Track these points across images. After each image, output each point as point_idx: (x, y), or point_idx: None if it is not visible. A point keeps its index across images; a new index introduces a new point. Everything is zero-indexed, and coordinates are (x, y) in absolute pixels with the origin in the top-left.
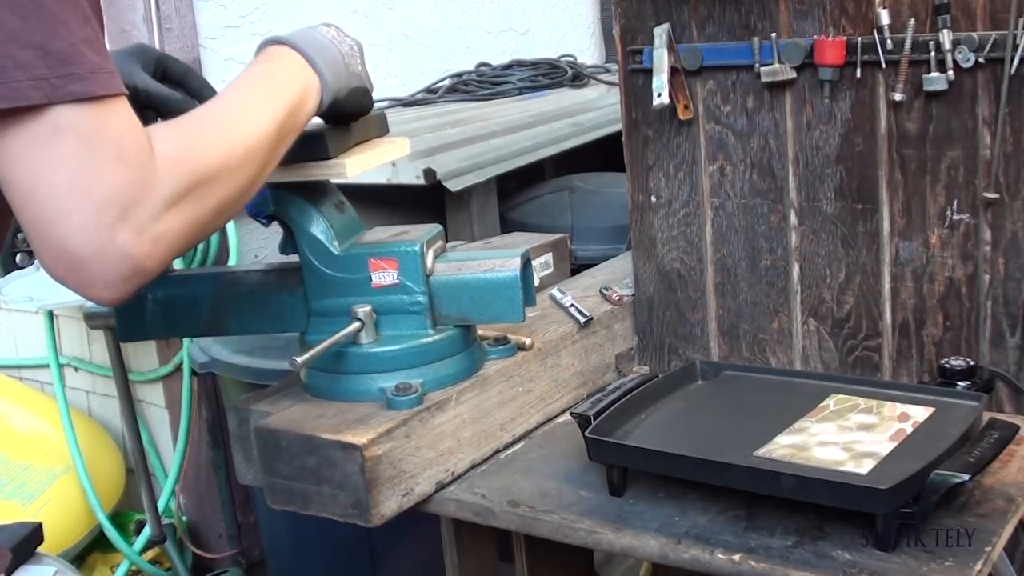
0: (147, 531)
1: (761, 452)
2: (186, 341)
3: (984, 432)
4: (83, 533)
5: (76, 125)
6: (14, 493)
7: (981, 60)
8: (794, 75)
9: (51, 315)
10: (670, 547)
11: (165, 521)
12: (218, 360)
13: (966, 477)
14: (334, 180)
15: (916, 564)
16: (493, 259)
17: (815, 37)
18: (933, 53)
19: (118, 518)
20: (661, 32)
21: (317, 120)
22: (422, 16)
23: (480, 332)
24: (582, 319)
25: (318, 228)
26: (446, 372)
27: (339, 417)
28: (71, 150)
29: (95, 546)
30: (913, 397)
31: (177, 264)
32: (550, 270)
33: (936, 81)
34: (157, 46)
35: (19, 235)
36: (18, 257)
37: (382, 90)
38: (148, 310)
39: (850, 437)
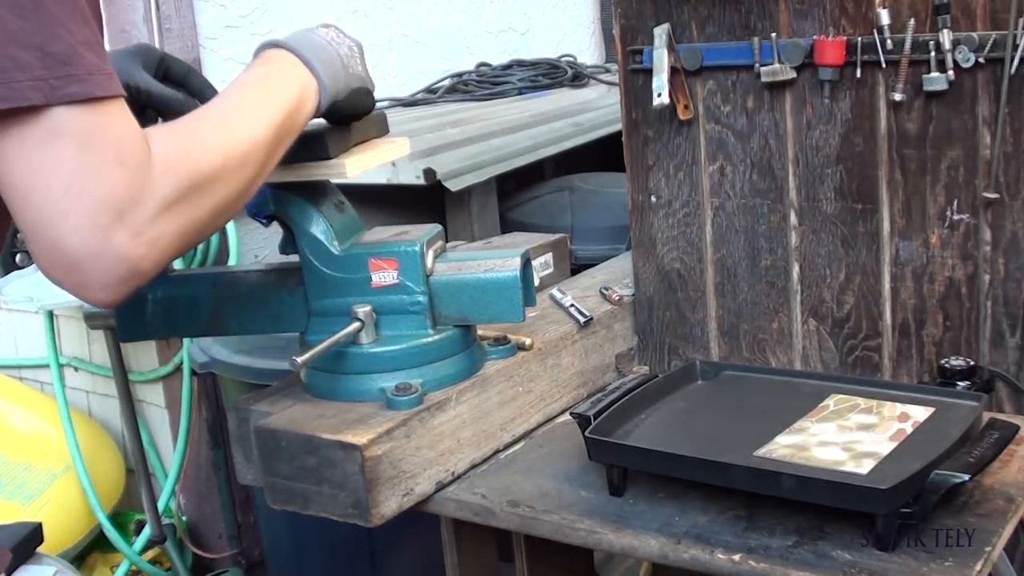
0: (147, 531)
1: (761, 452)
2: (186, 341)
3: (984, 432)
4: (83, 533)
5: (74, 127)
6: (14, 493)
7: (981, 60)
8: (794, 75)
9: (51, 315)
10: (670, 547)
11: (165, 521)
12: (218, 360)
13: (966, 477)
14: (334, 180)
15: (916, 564)
16: (493, 259)
17: (815, 37)
18: (933, 53)
19: (118, 518)
20: (661, 32)
21: (319, 120)
22: (422, 16)
23: (480, 332)
24: (582, 319)
25: (318, 228)
26: (446, 372)
27: (339, 417)
28: (69, 152)
29: (95, 546)
30: (913, 397)
31: (177, 264)
32: (550, 270)
33: (936, 81)
34: (157, 46)
35: (19, 235)
36: (18, 257)
37: (382, 90)
38: (148, 310)
39: (850, 437)
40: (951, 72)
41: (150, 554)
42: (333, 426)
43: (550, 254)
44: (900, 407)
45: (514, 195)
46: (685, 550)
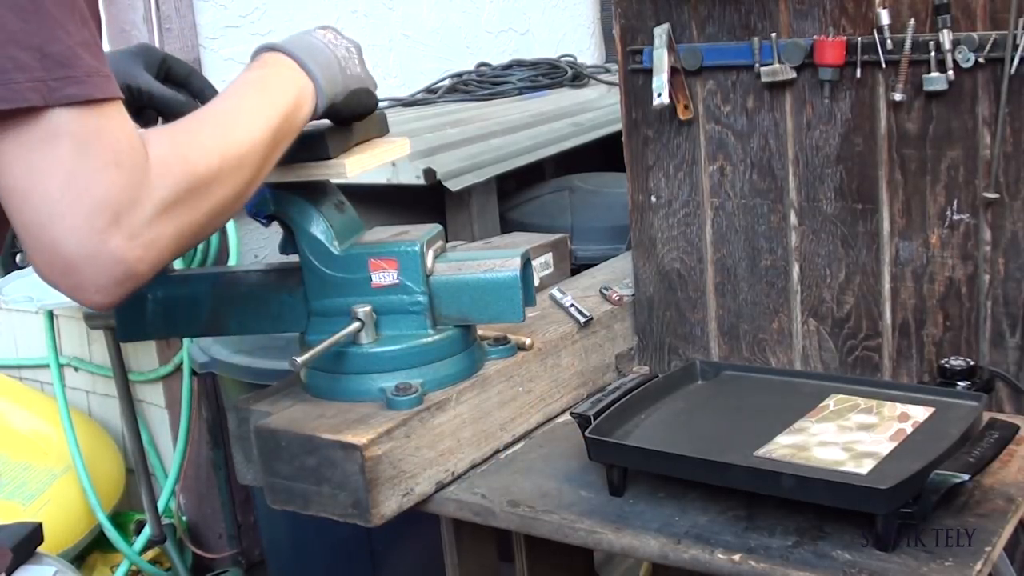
0: (147, 531)
1: (761, 452)
2: (186, 341)
3: (984, 432)
4: (83, 533)
5: (72, 128)
6: (14, 493)
7: (981, 60)
8: (794, 75)
9: (51, 315)
10: (670, 547)
11: (165, 521)
12: (218, 360)
13: (966, 477)
14: (334, 180)
15: (916, 564)
16: (493, 259)
17: (815, 37)
18: (933, 53)
19: (118, 518)
20: (661, 32)
21: (324, 120)
22: (422, 16)
23: (480, 332)
24: (582, 319)
25: (318, 228)
26: (446, 372)
27: (339, 417)
28: (66, 153)
29: (95, 546)
30: (913, 397)
31: (177, 264)
32: (550, 270)
33: (936, 81)
34: (157, 46)
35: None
36: (18, 257)
37: (382, 90)
38: (148, 310)
39: (850, 437)
40: (951, 72)
41: (150, 554)
42: (333, 426)
43: (550, 254)
44: (900, 407)
45: (514, 195)
46: (685, 550)
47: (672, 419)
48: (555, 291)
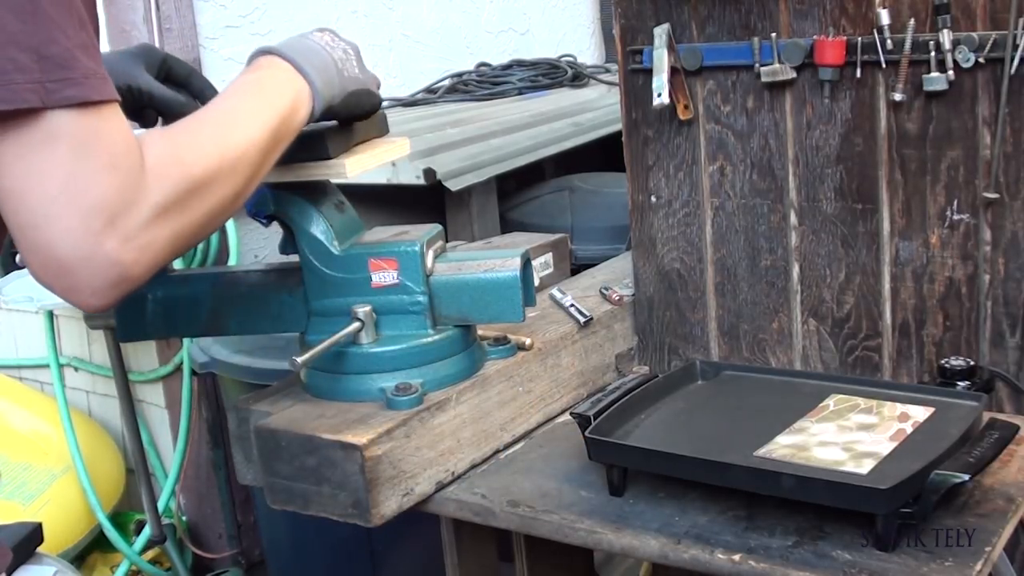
0: (147, 531)
1: (761, 452)
2: (186, 341)
3: (984, 432)
4: (83, 533)
5: (69, 130)
6: (14, 493)
7: (981, 60)
8: (794, 75)
9: (51, 315)
10: (670, 547)
11: (165, 521)
12: (218, 360)
13: (966, 477)
14: (334, 180)
15: (916, 564)
16: (493, 259)
17: (815, 37)
18: (933, 53)
19: (118, 518)
20: (661, 32)
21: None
22: (422, 16)
23: (480, 332)
24: (582, 319)
25: (318, 228)
26: (446, 372)
27: (339, 417)
28: (63, 156)
29: (95, 546)
30: (913, 397)
31: (177, 264)
32: (550, 270)
33: (936, 81)
34: (157, 46)
35: None
36: (18, 257)
37: (382, 90)
38: (148, 310)
39: (850, 437)
40: (951, 72)
41: (150, 554)
42: (333, 426)
43: (550, 254)
44: (900, 407)
45: (514, 195)
46: (685, 550)
47: (672, 419)
48: (555, 291)
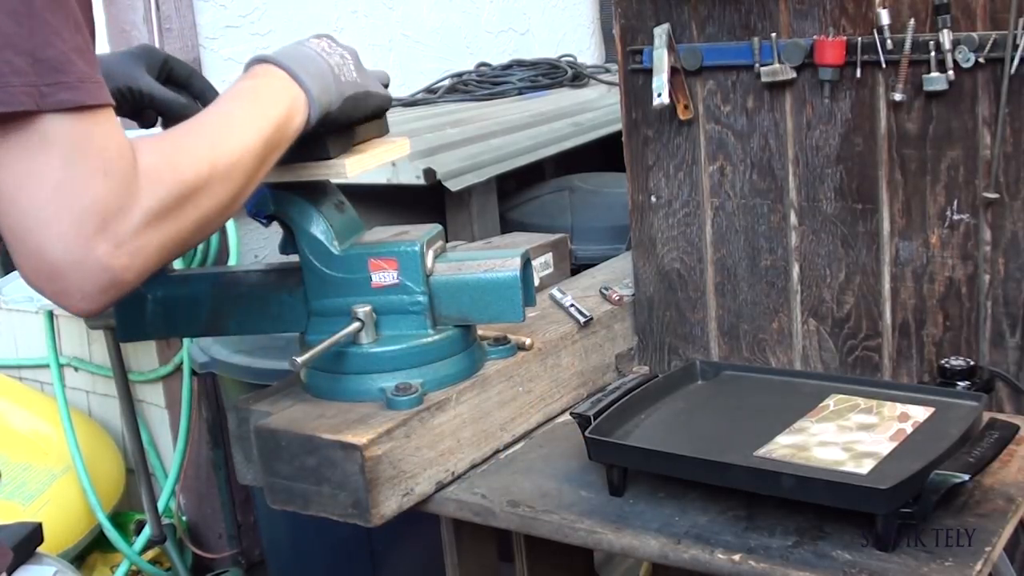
0: (147, 531)
1: (761, 452)
2: (186, 341)
3: (984, 432)
4: (83, 533)
5: (62, 134)
6: (14, 493)
7: (981, 60)
8: (794, 75)
9: (51, 315)
10: (670, 547)
11: (165, 521)
12: (218, 360)
13: (966, 477)
14: (334, 180)
15: (916, 564)
16: (493, 259)
17: (815, 37)
18: (933, 53)
19: (118, 518)
20: (661, 32)
21: None
22: (422, 16)
23: (480, 332)
24: (582, 319)
25: (318, 228)
26: (446, 372)
27: (339, 417)
28: (56, 160)
29: (95, 546)
30: (913, 397)
31: (177, 264)
32: (550, 270)
33: (936, 81)
34: (157, 46)
35: None
36: None
37: None
38: (148, 310)
39: (850, 437)
40: (951, 72)
41: (150, 554)
42: (333, 426)
43: (550, 254)
44: (900, 407)
45: (514, 195)
46: (685, 550)
47: (672, 419)
48: (555, 291)
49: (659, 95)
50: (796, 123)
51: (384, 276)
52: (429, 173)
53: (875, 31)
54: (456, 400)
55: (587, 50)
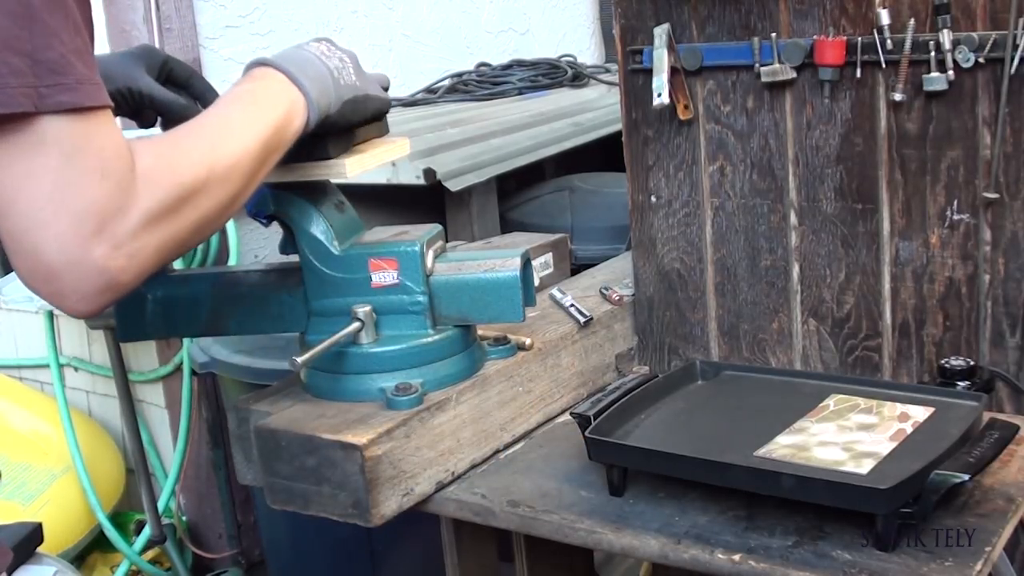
0: (147, 531)
1: (761, 452)
2: (186, 341)
3: (984, 432)
4: (83, 533)
5: (60, 136)
6: (14, 493)
7: (981, 60)
8: (794, 75)
9: (51, 315)
10: (670, 547)
11: (165, 521)
12: (218, 360)
13: (966, 477)
14: (334, 180)
15: (916, 564)
16: (493, 259)
17: (815, 37)
18: (933, 53)
19: (118, 518)
20: (661, 32)
21: None
22: (422, 16)
23: (480, 332)
24: (582, 319)
25: (318, 228)
26: (446, 372)
27: (339, 417)
28: (54, 161)
29: (95, 546)
30: (913, 397)
31: (177, 264)
32: (550, 270)
33: (936, 81)
34: (157, 46)
35: None
36: None
37: None
38: (148, 310)
39: (850, 437)
40: (951, 72)
41: (150, 554)
42: (333, 426)
43: (550, 254)
44: (900, 407)
45: (514, 195)
46: (685, 550)
47: (672, 419)
48: (555, 291)
49: (659, 95)
50: (796, 123)
51: (384, 276)
52: (429, 173)
53: (875, 31)
54: (456, 400)
55: (587, 50)
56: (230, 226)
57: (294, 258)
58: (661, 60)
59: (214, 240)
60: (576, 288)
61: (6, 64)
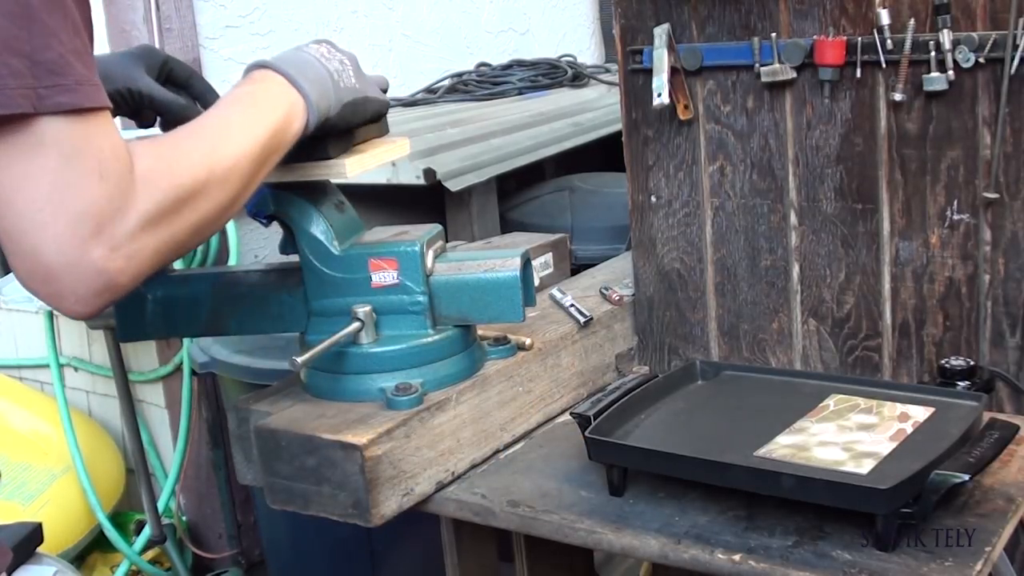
0: (147, 531)
1: (761, 452)
2: (186, 341)
3: (984, 432)
4: (83, 533)
5: (59, 137)
6: (14, 493)
7: (981, 60)
8: (794, 75)
9: (51, 315)
10: (670, 547)
11: (165, 521)
12: (218, 360)
13: (966, 477)
14: (334, 180)
15: (916, 564)
16: (493, 259)
17: (815, 37)
18: (933, 53)
19: (118, 518)
20: (661, 32)
21: None
22: (422, 16)
23: (480, 332)
24: (582, 319)
25: (318, 228)
26: (446, 372)
27: (339, 417)
28: (52, 162)
29: (95, 546)
30: (913, 397)
31: (177, 264)
32: (550, 270)
33: (936, 81)
34: (157, 46)
35: None
36: None
37: None
38: (148, 310)
39: (850, 437)
40: (951, 72)
41: (150, 554)
42: (333, 426)
43: (550, 254)
44: (900, 407)
45: (514, 195)
46: (685, 550)
47: (672, 419)
48: (555, 291)
49: (659, 95)
50: (796, 123)
51: (384, 276)
52: (429, 173)
53: (875, 31)
54: (456, 400)
55: (587, 50)
56: (230, 226)
57: (294, 258)
58: (661, 60)
59: (214, 240)
60: (576, 288)
61: (5, 65)
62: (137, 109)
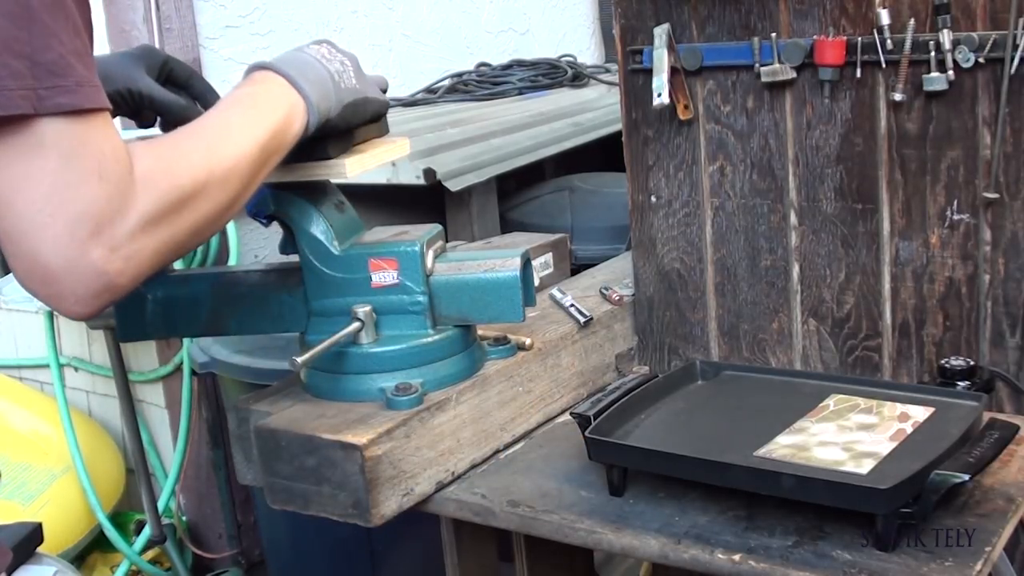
0: (147, 531)
1: (761, 452)
2: (186, 341)
3: (984, 432)
4: (83, 533)
5: (59, 138)
6: (14, 493)
7: (981, 60)
8: (794, 75)
9: (51, 315)
10: (670, 547)
11: (165, 521)
12: (218, 360)
13: (966, 477)
14: (334, 180)
15: (916, 564)
16: (493, 259)
17: (815, 37)
18: (933, 53)
19: (118, 518)
20: (661, 32)
21: None
22: (422, 16)
23: (480, 332)
24: (582, 319)
25: (318, 228)
26: (446, 372)
27: (339, 417)
28: (52, 163)
29: (95, 546)
30: (913, 397)
31: (177, 264)
32: (550, 270)
33: (936, 81)
34: (157, 46)
35: None
36: None
37: None
38: (148, 310)
39: (850, 437)
40: (951, 72)
41: (150, 554)
42: (333, 426)
43: (550, 254)
44: (900, 407)
45: (514, 195)
46: (685, 550)
47: (672, 419)
48: (555, 291)
49: (659, 95)
50: (796, 123)
51: (384, 276)
52: (429, 173)
53: (875, 31)
54: (456, 400)
55: (587, 50)
56: (230, 226)
57: (294, 258)
58: (661, 60)
59: (214, 240)
60: (576, 288)
61: (5, 66)
62: (137, 109)
